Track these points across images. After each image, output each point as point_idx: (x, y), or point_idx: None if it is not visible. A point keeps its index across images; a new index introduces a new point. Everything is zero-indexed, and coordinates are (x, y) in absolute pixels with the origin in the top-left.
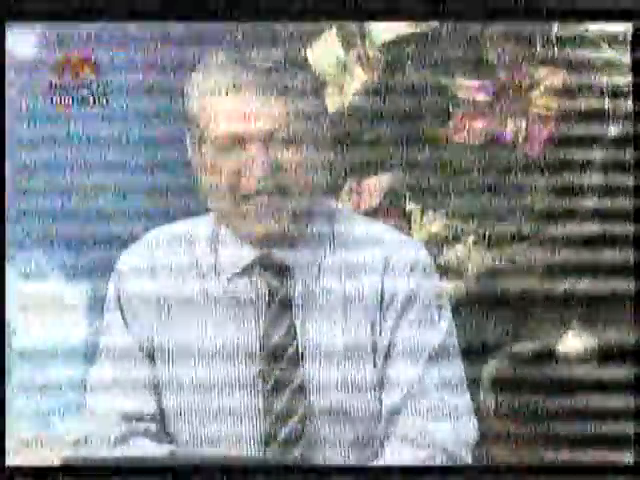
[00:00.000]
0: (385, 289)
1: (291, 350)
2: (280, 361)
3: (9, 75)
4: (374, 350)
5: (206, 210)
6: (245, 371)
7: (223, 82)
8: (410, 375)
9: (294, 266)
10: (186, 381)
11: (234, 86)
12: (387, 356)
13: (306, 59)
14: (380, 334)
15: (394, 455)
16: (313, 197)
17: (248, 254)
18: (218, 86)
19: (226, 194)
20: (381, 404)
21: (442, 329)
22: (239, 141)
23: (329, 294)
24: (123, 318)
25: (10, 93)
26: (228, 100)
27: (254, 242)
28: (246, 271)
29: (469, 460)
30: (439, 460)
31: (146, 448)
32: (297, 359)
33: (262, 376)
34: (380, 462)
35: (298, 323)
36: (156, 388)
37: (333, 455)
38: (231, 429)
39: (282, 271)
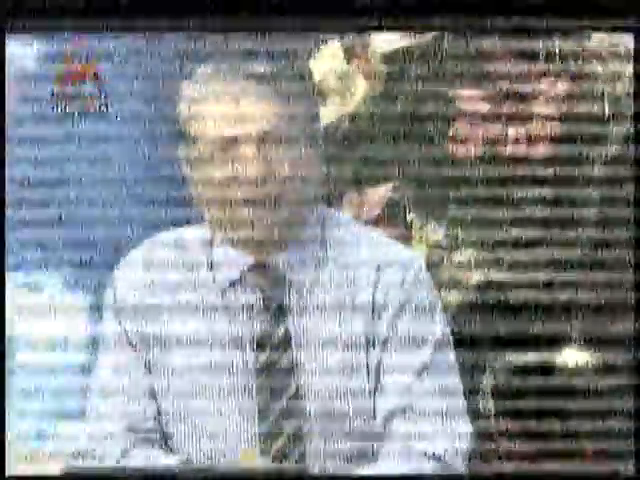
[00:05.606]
0: (378, 296)
1: (287, 358)
2: (275, 369)
3: (10, 85)
4: (368, 357)
5: (201, 219)
6: (240, 378)
7: (214, 89)
8: (404, 382)
9: (289, 273)
10: (181, 390)
11: (225, 92)
12: (381, 362)
13: (301, 65)
14: (374, 341)
15: (388, 463)
16: (307, 203)
17: (243, 261)
18: (209, 93)
19: (219, 202)
20: (375, 411)
21: (436, 337)
22: (232, 144)
23: (324, 300)
24: (120, 326)
25: (11, 102)
26: (219, 104)
27: (248, 249)
28: (241, 278)
29: (463, 469)
30: (432, 468)
31: (152, 459)
32: (292, 366)
33: (257, 384)
34: (374, 470)
35: (293, 330)
36: (154, 397)
37: (328, 464)
38: (226, 439)
39: (277, 278)
